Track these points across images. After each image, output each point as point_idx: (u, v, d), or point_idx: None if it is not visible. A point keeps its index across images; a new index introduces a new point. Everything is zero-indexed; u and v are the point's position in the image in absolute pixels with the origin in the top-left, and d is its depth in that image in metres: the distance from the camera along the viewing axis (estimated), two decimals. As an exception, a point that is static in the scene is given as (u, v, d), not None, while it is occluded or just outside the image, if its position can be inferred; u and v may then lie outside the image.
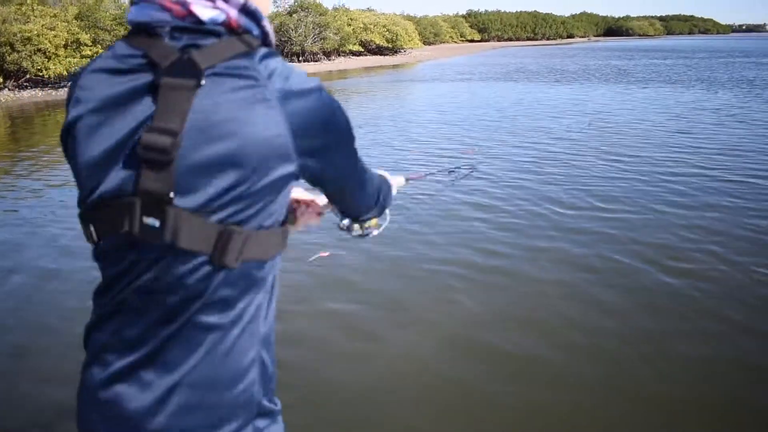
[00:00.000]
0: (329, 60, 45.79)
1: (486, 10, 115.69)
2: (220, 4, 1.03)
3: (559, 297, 4.68)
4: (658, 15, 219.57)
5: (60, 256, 5.65)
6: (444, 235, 6.12)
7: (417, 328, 4.26)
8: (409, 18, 69.39)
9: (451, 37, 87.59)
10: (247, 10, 1.06)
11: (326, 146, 1.11)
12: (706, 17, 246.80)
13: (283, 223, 1.14)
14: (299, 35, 43.18)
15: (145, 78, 1.01)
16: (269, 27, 1.11)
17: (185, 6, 1.02)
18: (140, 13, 1.05)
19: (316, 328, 4.24)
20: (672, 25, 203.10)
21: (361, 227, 1.67)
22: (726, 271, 5.10)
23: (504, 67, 37.31)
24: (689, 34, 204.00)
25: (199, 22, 1.03)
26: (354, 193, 1.33)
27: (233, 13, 1.04)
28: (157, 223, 1.00)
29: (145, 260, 1.04)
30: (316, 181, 1.19)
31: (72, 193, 4.56)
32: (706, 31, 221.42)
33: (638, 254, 5.47)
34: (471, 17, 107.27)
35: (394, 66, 42.59)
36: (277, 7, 46.47)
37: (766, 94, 19.42)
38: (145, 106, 1.00)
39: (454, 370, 3.72)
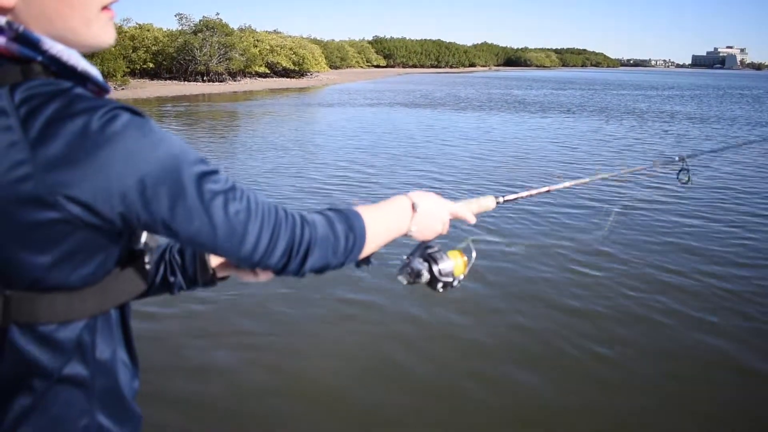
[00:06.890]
0: (235, 81, 45.18)
1: (392, 37, 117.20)
2: None
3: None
4: (554, 47, 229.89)
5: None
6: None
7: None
8: (316, 42, 69.45)
9: (357, 62, 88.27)
10: (22, 38, 0.93)
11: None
12: (597, 51, 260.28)
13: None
14: (204, 55, 42.42)
15: None
16: (64, 52, 0.95)
17: None
18: None
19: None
20: (566, 57, 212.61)
21: (433, 275, 1.32)
22: None
23: (409, 94, 37.83)
24: (582, 66, 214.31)
25: None
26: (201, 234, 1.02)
27: (1, 41, 0.92)
28: None
29: None
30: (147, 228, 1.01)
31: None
32: (597, 64, 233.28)
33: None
34: (377, 43, 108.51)
35: (301, 89, 42.43)
36: (182, 25, 45.60)
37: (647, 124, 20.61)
38: None
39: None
